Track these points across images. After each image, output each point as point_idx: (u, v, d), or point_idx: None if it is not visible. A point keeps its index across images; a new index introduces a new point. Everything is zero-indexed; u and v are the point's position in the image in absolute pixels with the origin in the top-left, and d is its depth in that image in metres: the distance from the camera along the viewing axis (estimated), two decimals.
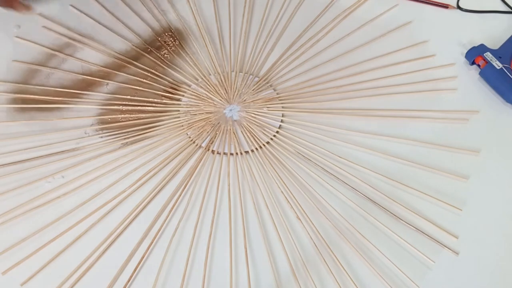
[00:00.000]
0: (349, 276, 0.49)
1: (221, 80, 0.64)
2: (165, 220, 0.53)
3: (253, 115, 0.61)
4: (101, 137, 0.58)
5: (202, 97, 0.62)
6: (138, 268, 0.50)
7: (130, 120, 0.60)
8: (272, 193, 0.55)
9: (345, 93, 0.63)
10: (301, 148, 0.58)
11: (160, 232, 0.52)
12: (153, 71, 0.64)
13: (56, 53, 0.64)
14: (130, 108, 0.60)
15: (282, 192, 0.55)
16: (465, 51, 0.66)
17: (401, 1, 0.72)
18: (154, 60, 0.65)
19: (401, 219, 0.53)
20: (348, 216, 0.53)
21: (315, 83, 0.63)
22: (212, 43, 0.67)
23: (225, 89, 0.63)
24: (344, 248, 0.52)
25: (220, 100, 0.62)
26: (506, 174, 0.57)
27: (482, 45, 0.65)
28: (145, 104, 0.61)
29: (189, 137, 0.59)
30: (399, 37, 0.68)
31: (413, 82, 0.64)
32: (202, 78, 0.64)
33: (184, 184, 0.55)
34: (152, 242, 0.51)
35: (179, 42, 0.67)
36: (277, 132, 0.60)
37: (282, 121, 0.61)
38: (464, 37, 0.68)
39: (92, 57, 0.64)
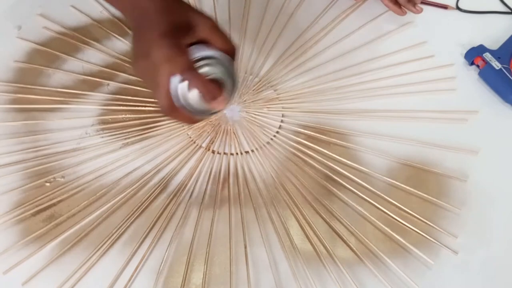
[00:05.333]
0: (348, 275, 0.50)
1: None
2: (165, 220, 0.53)
3: (253, 115, 0.61)
4: (102, 137, 0.58)
5: None
6: (138, 268, 0.50)
7: (130, 120, 0.60)
8: (272, 193, 0.55)
9: (345, 93, 0.63)
10: (301, 148, 0.58)
11: (161, 232, 0.52)
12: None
13: (57, 53, 0.64)
14: (130, 108, 0.61)
15: (282, 192, 0.55)
16: (464, 52, 0.66)
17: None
18: None
19: (400, 219, 0.53)
20: (348, 216, 0.54)
21: (315, 83, 0.63)
22: None
23: None
24: (343, 248, 0.52)
25: None
26: (505, 174, 0.58)
27: (481, 46, 0.65)
28: (145, 104, 0.61)
29: (190, 137, 0.59)
30: (399, 38, 0.68)
31: (412, 83, 0.64)
32: None
33: (185, 184, 0.56)
34: (152, 242, 0.51)
35: None
36: (277, 132, 0.60)
37: (282, 121, 0.61)
38: (463, 37, 0.68)
39: (93, 57, 0.64)
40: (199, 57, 0.43)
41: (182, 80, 0.42)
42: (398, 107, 0.62)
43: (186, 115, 0.44)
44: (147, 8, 0.44)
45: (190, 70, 0.42)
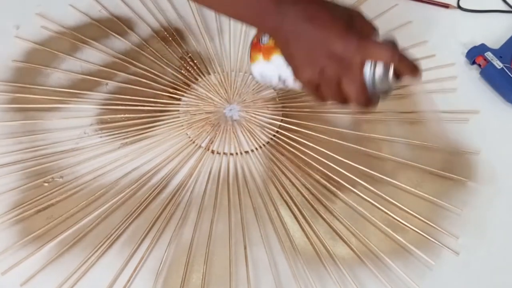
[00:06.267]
0: (349, 276, 0.49)
1: (221, 80, 0.64)
2: (164, 220, 0.53)
3: (253, 115, 0.61)
4: (101, 137, 0.58)
5: (202, 97, 0.62)
6: (138, 268, 0.50)
7: (129, 120, 0.60)
8: (272, 193, 0.55)
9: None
10: (301, 148, 0.58)
11: (160, 232, 0.52)
12: (152, 70, 0.63)
13: (56, 53, 0.64)
14: (129, 108, 0.60)
15: (281, 192, 0.55)
16: (466, 51, 0.66)
17: (401, 1, 0.71)
18: (154, 59, 0.64)
19: (401, 219, 0.53)
20: (348, 217, 0.53)
21: None
22: (212, 42, 0.67)
23: (225, 89, 0.63)
24: (343, 249, 0.51)
25: (220, 100, 0.62)
26: (506, 174, 0.57)
27: (482, 45, 0.65)
28: (144, 104, 0.61)
29: (189, 137, 0.59)
30: (399, 37, 0.68)
31: (412, 83, 0.63)
32: (202, 78, 0.64)
33: (184, 184, 0.55)
34: (151, 243, 0.51)
35: (179, 42, 0.66)
36: (277, 132, 0.60)
37: (282, 121, 0.60)
38: (464, 36, 0.68)
39: (91, 57, 0.64)
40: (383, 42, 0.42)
41: (375, 67, 0.42)
42: (398, 107, 0.61)
43: (376, 99, 0.44)
44: (301, 9, 0.42)
45: (398, 53, 0.41)
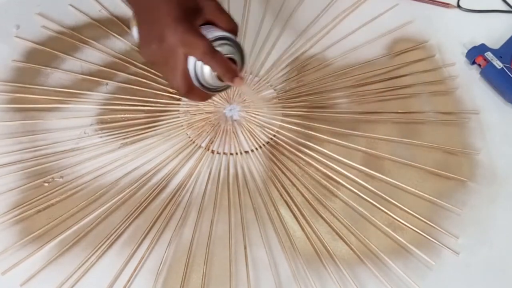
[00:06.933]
0: (349, 276, 0.49)
1: None
2: (164, 220, 0.53)
3: (253, 115, 0.61)
4: (101, 137, 0.58)
5: None
6: (137, 268, 0.50)
7: (129, 120, 0.59)
8: (272, 193, 0.55)
9: (346, 94, 0.62)
10: (301, 148, 0.58)
11: (160, 232, 0.52)
12: (152, 70, 0.63)
13: (56, 52, 0.64)
14: (129, 108, 0.60)
15: (281, 192, 0.55)
16: (466, 51, 0.65)
17: (401, 1, 0.71)
18: None
19: (401, 220, 0.53)
20: (348, 217, 0.53)
21: (315, 83, 0.63)
22: None
23: None
24: (343, 249, 0.51)
25: (220, 100, 0.62)
26: (506, 174, 0.57)
27: (482, 45, 0.65)
28: (144, 103, 0.61)
29: (189, 137, 0.59)
30: (400, 37, 0.68)
31: (413, 83, 0.63)
32: None
33: (184, 184, 0.55)
34: (151, 243, 0.51)
35: None
36: (277, 132, 0.60)
37: (282, 121, 0.60)
38: (464, 36, 0.68)
39: (91, 57, 0.64)
40: (213, 38, 0.43)
41: (199, 60, 0.43)
42: (399, 107, 0.61)
43: (202, 93, 0.46)
44: None
45: (211, 53, 0.43)
